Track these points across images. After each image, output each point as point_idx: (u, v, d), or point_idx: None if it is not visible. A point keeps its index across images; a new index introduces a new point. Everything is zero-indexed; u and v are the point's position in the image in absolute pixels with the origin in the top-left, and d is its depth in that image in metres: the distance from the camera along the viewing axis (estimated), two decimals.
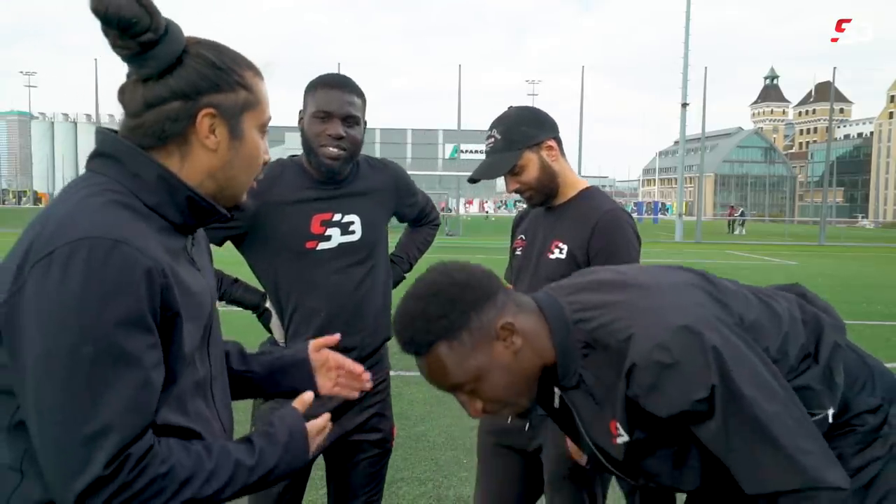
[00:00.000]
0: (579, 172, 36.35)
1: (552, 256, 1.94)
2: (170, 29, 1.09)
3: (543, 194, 1.98)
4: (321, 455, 2.16)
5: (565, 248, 1.93)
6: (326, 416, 1.27)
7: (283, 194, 1.99)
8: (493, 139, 1.95)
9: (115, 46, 1.07)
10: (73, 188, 1.10)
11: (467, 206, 51.26)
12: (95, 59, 31.93)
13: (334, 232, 2.02)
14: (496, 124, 1.96)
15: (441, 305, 1.26)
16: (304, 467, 1.23)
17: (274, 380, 1.42)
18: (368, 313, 2.06)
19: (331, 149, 1.96)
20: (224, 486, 1.07)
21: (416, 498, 3.53)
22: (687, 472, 1.34)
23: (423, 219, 2.42)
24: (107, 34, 1.06)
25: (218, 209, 1.17)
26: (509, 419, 2.05)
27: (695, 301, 1.29)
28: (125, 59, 1.10)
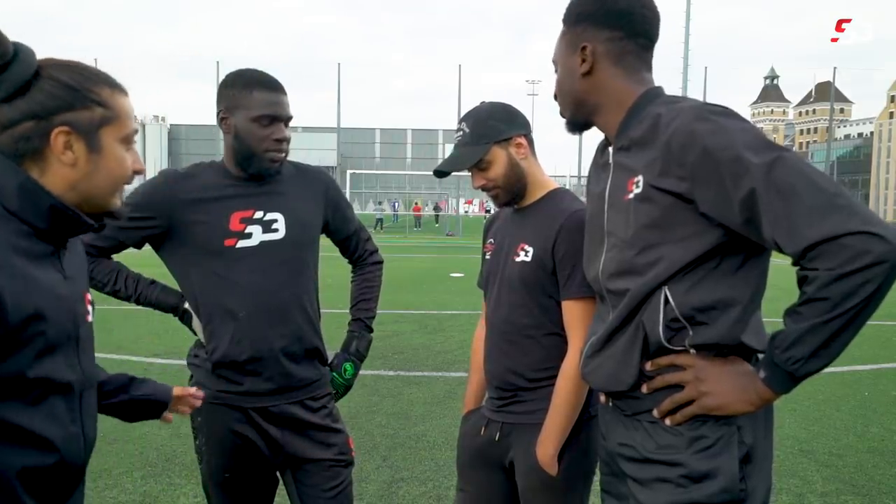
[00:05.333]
0: (579, 172, 36.57)
1: (518, 259, 1.90)
2: (19, 54, 1.14)
3: (510, 193, 1.92)
4: (280, 480, 2.12)
5: (531, 250, 1.87)
6: None
7: (200, 192, 1.95)
8: (461, 132, 1.91)
9: None
10: None
11: (467, 205, 51.15)
12: (95, 59, 31.68)
13: (255, 230, 1.96)
14: (466, 118, 1.92)
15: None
16: None
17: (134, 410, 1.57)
18: (293, 318, 1.99)
19: (276, 153, 1.95)
20: None
21: (416, 498, 3.53)
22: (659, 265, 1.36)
23: (358, 247, 2.30)
24: None
25: (83, 219, 1.22)
26: (482, 429, 2.01)
27: None
28: None
